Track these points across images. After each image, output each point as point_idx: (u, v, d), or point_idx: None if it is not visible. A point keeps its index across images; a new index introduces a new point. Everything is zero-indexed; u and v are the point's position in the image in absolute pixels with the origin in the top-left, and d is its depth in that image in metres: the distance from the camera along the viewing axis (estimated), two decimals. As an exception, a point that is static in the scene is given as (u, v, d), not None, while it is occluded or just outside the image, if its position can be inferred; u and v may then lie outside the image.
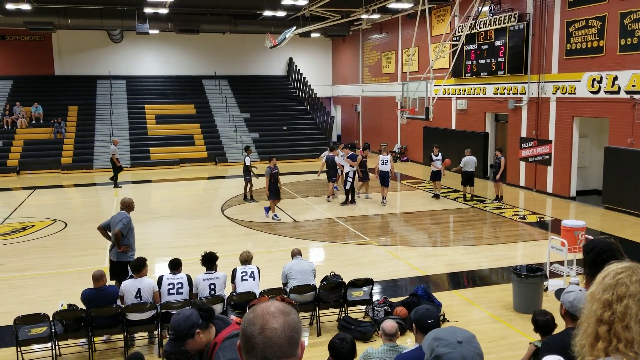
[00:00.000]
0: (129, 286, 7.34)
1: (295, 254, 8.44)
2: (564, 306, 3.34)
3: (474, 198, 17.07)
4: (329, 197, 17.14)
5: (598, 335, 1.87)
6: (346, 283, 8.02)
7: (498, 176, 16.52)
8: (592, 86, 15.70)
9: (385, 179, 16.31)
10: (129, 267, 7.93)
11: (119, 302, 7.33)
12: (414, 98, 18.11)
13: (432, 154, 17.30)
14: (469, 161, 16.67)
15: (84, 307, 7.19)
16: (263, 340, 1.62)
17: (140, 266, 7.47)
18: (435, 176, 17.21)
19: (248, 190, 17.27)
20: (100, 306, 7.08)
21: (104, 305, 7.12)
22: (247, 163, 16.92)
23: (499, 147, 17.71)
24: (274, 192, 14.78)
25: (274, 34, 25.04)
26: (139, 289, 7.29)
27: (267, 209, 15.04)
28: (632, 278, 1.88)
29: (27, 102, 27.29)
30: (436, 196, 17.25)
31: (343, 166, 16.62)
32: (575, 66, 16.32)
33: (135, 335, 7.64)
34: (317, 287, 7.91)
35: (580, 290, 3.45)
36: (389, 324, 5.31)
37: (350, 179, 16.45)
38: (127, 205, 8.94)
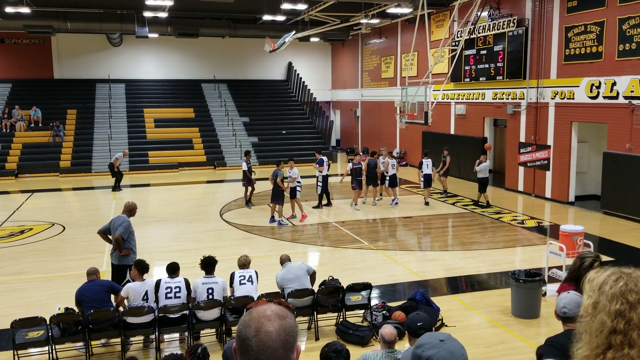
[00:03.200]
0: (137, 288, 7.32)
1: (284, 260, 8.37)
2: (556, 310, 3.50)
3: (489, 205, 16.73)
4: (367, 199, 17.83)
5: (610, 345, 1.85)
6: (344, 287, 8.01)
7: (442, 172, 18.30)
8: (591, 91, 15.72)
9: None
10: (128, 271, 7.96)
11: (121, 302, 7.33)
12: (413, 103, 18.12)
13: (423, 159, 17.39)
14: (484, 168, 16.38)
15: (79, 309, 7.20)
16: (257, 343, 1.61)
17: (147, 268, 7.52)
18: (428, 182, 17.27)
19: (248, 194, 17.21)
20: (98, 308, 7.08)
21: (100, 307, 7.11)
22: (245, 168, 16.89)
23: (445, 147, 18.70)
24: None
25: (273, 38, 25.07)
26: (146, 291, 7.31)
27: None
28: (638, 284, 1.87)
29: (26, 106, 27.28)
30: (427, 203, 17.17)
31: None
32: (574, 71, 16.35)
33: (132, 339, 7.61)
34: (315, 291, 7.89)
35: (568, 292, 3.57)
36: (389, 331, 5.21)
37: (320, 184, 16.63)
38: (130, 210, 8.94)
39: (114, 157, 20.77)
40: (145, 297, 7.29)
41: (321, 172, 16.55)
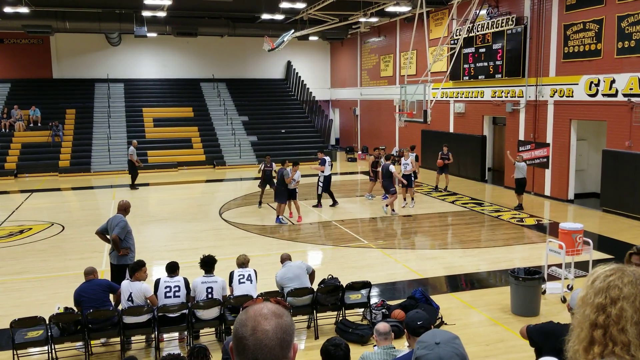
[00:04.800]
0: (123, 288, 7.35)
1: (285, 259, 8.37)
2: (569, 305, 3.66)
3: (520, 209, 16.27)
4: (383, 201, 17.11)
5: (593, 339, 1.85)
6: (344, 286, 8.00)
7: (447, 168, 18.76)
8: (590, 89, 15.72)
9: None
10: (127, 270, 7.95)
11: (120, 301, 7.32)
12: (412, 101, 18.11)
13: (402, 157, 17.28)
14: (522, 167, 15.98)
15: (78, 309, 7.19)
16: (254, 342, 1.61)
17: (135, 269, 7.44)
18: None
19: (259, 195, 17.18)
20: (97, 308, 7.07)
21: (99, 307, 7.10)
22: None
23: (445, 143, 18.98)
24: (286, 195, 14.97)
25: (272, 37, 25.03)
26: (130, 293, 7.27)
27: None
28: (624, 280, 1.86)
29: (25, 105, 27.25)
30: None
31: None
32: (573, 69, 16.34)
33: (132, 338, 7.61)
34: (315, 290, 7.89)
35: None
36: (382, 324, 5.42)
37: (321, 183, 16.56)
38: (124, 209, 8.95)
39: (129, 153, 20.79)
40: (129, 298, 7.24)
41: (323, 172, 16.54)
